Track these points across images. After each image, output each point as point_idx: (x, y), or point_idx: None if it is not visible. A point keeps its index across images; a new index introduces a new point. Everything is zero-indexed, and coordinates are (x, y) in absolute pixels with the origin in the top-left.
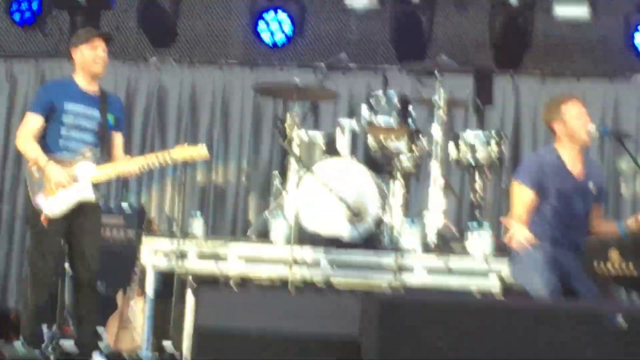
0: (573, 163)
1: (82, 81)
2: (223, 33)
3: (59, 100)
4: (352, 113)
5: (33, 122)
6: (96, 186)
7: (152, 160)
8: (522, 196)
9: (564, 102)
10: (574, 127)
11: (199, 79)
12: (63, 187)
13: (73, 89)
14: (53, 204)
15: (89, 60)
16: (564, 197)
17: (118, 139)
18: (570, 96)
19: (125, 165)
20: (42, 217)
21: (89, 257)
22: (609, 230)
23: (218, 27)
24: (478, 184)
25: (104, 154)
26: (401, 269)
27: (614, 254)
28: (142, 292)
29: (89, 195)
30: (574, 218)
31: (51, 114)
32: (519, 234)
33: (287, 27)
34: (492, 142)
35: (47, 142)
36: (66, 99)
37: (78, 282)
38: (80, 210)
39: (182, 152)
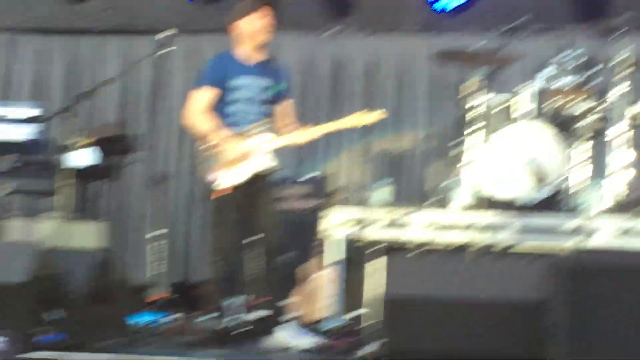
0: None
1: (248, 52)
2: (400, 1)
3: (228, 75)
4: (535, 76)
5: (203, 98)
6: (272, 156)
7: (328, 127)
8: None
9: None
10: None
11: (379, 48)
12: (240, 160)
13: (238, 62)
14: (229, 177)
15: (257, 29)
16: None
17: (289, 106)
18: None
19: (301, 134)
20: (218, 191)
21: (268, 229)
22: None
23: None
24: None
25: (276, 122)
26: (587, 231)
27: None
28: (327, 263)
29: (266, 165)
30: None
31: (219, 89)
32: None
33: None
34: None
35: (220, 117)
36: (235, 73)
37: (260, 254)
38: (260, 181)
39: (357, 118)
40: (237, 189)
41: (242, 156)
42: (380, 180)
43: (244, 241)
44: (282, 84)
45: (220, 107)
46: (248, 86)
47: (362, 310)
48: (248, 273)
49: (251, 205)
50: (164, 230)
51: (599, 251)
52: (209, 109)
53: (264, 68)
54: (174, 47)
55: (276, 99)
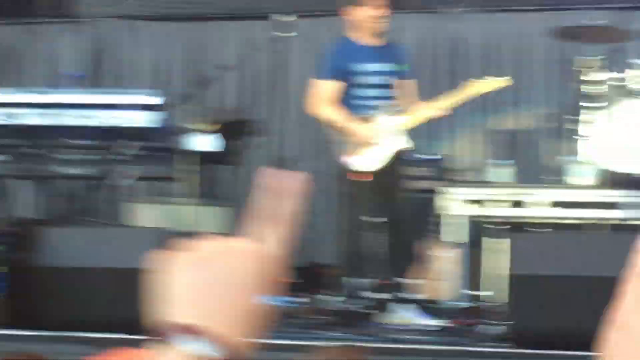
0: None
1: (365, 37)
2: None
3: (348, 62)
4: None
5: (326, 89)
6: (404, 134)
7: (455, 98)
8: None
9: None
10: None
11: (494, 26)
12: (372, 144)
13: (358, 48)
14: (363, 160)
15: (370, 20)
16: None
17: (410, 86)
18: None
19: (427, 110)
20: (353, 175)
21: (402, 209)
22: None
23: None
24: None
25: (401, 103)
26: None
27: None
28: (449, 243)
29: (399, 145)
30: None
31: (342, 77)
32: None
33: None
34: None
35: (346, 104)
36: (354, 61)
37: (391, 233)
38: (394, 161)
39: (483, 85)
40: (373, 172)
41: (375, 139)
42: (501, 159)
43: (375, 222)
44: (403, 66)
45: (345, 93)
46: (371, 71)
47: (485, 291)
48: (375, 253)
49: (384, 187)
50: None
51: None
52: (330, 100)
53: (385, 51)
54: (294, 34)
55: (399, 81)
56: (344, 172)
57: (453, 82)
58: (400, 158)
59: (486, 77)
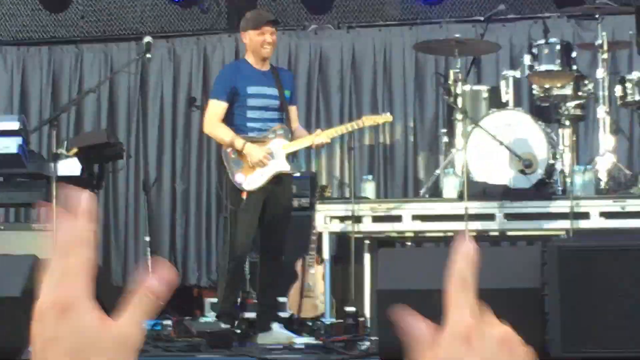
0: None
1: (255, 61)
2: None
3: (241, 84)
4: (515, 64)
5: (218, 108)
6: (289, 158)
7: (342, 129)
8: None
9: None
10: None
11: (359, 42)
12: (263, 165)
13: (250, 70)
14: (252, 180)
15: (257, 45)
16: None
17: (293, 112)
18: None
19: (317, 137)
20: (244, 194)
21: (281, 229)
22: None
23: None
24: None
25: (286, 128)
26: (576, 215)
27: None
28: (321, 259)
29: (285, 168)
30: None
31: (235, 98)
32: None
33: None
34: None
35: (237, 124)
36: (247, 83)
37: (266, 252)
38: (277, 182)
39: (369, 120)
40: (258, 191)
41: (265, 161)
42: (369, 173)
43: (252, 241)
44: (288, 91)
45: (238, 114)
46: (261, 95)
47: (354, 307)
48: (251, 271)
49: (268, 204)
50: (147, 239)
51: (588, 234)
52: (222, 119)
53: (271, 76)
54: (149, 55)
55: (285, 105)
56: (232, 189)
57: (318, 99)
58: (282, 180)
59: (372, 114)
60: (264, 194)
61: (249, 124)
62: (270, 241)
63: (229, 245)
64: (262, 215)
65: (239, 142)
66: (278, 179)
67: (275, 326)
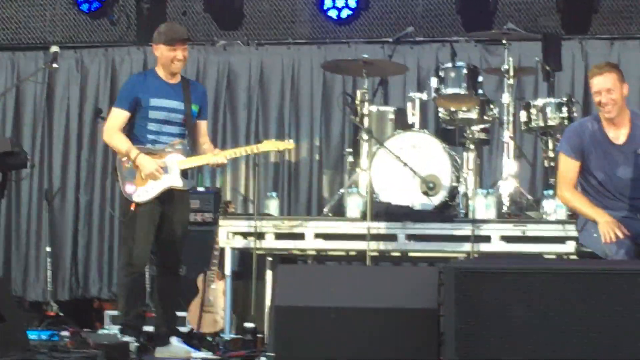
0: (615, 130)
1: (164, 74)
2: (289, 12)
3: (145, 95)
4: (422, 86)
5: (119, 117)
6: (185, 174)
7: (240, 151)
8: (567, 167)
9: (589, 77)
10: (595, 102)
11: (268, 59)
12: (155, 178)
13: (157, 82)
14: (143, 192)
15: (168, 60)
16: (608, 167)
17: (202, 126)
18: (593, 69)
19: (214, 157)
20: (133, 205)
21: (177, 244)
22: None
23: (284, 5)
24: (550, 150)
25: (190, 142)
26: (477, 238)
27: None
28: (222, 275)
29: (178, 183)
30: (623, 185)
31: (138, 109)
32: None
33: (353, 2)
34: (563, 107)
35: (137, 135)
36: (151, 94)
37: (163, 266)
38: (171, 197)
39: (270, 145)
40: (150, 203)
41: (157, 174)
42: (274, 190)
43: (150, 254)
44: (197, 106)
45: (138, 125)
46: (164, 108)
47: (253, 323)
48: (151, 285)
49: (164, 219)
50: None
51: (486, 257)
52: (122, 128)
53: (180, 89)
54: (56, 65)
55: (190, 120)
56: (124, 200)
57: (226, 114)
58: (178, 194)
59: (274, 140)
60: (157, 208)
61: (149, 136)
62: (167, 256)
63: (124, 258)
64: (159, 230)
65: (133, 152)
66: (173, 194)
67: (174, 340)
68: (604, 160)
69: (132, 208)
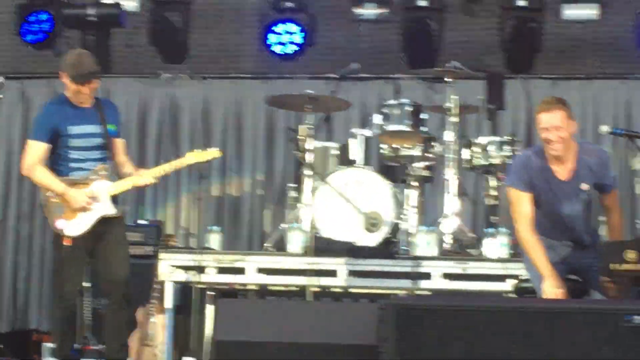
0: (560, 165)
1: (76, 99)
2: (234, 46)
3: (61, 124)
4: (365, 122)
5: (38, 150)
6: (115, 200)
7: (166, 168)
8: (521, 201)
9: (537, 111)
10: (541, 137)
11: (212, 93)
12: (85, 210)
13: (71, 109)
14: (75, 226)
15: (73, 93)
16: (552, 201)
17: (119, 144)
18: (542, 105)
19: (140, 178)
20: (66, 240)
21: (122, 273)
22: (618, 225)
23: (229, 40)
24: (492, 188)
25: (112, 167)
26: (418, 275)
27: (630, 254)
28: (162, 308)
29: (110, 211)
30: (563, 219)
31: (56, 139)
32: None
33: (298, 38)
34: (506, 146)
35: (58, 166)
36: (68, 123)
37: (111, 299)
38: (105, 227)
39: (195, 157)
40: (82, 236)
41: (87, 206)
42: (215, 225)
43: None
44: (112, 125)
45: (59, 155)
46: (82, 134)
47: (193, 357)
48: (87, 318)
49: (100, 250)
50: None
51: (427, 294)
52: (42, 160)
53: (94, 112)
54: (1, 96)
55: (109, 141)
56: (56, 236)
57: (170, 148)
58: (112, 223)
59: (199, 150)
60: (90, 240)
61: (72, 165)
62: (115, 287)
63: (57, 293)
64: (97, 261)
65: (58, 186)
66: (107, 223)
67: None
68: (549, 194)
69: (67, 243)
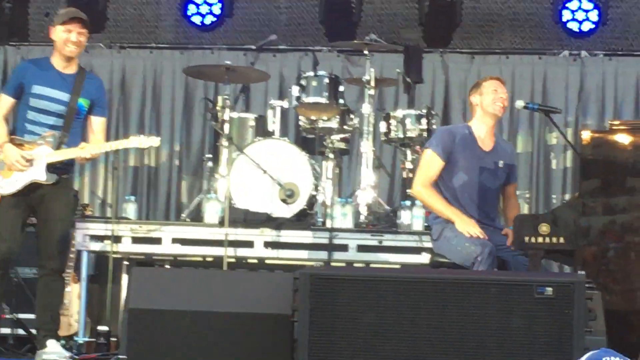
0: (484, 138)
1: (58, 62)
2: (153, 16)
3: (29, 81)
4: (283, 94)
5: (2, 103)
6: (52, 169)
7: (109, 146)
8: (431, 164)
9: (486, 79)
10: (488, 99)
11: (130, 62)
12: (16, 169)
13: (46, 70)
14: (7, 184)
15: (62, 42)
16: (473, 171)
17: (96, 123)
18: (495, 77)
19: (81, 151)
20: None
21: (56, 243)
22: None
23: (148, 10)
24: (409, 161)
25: (75, 137)
26: (334, 247)
27: (544, 228)
28: (77, 278)
29: (41, 177)
30: (483, 192)
31: (21, 96)
32: (467, 227)
33: (217, 9)
34: (423, 119)
35: (16, 124)
36: (36, 81)
37: (44, 267)
38: (42, 193)
39: (137, 141)
40: (16, 198)
41: (19, 165)
42: (132, 194)
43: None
44: (87, 100)
45: (18, 113)
46: (45, 97)
47: (106, 326)
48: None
49: (40, 218)
50: None
51: (340, 265)
52: (5, 115)
53: (71, 81)
54: None
55: (74, 113)
56: None
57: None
58: (55, 192)
59: (141, 136)
60: (23, 202)
61: (27, 125)
62: (48, 256)
63: None
64: (37, 228)
65: (0, 140)
66: (44, 190)
67: (51, 343)
68: (471, 161)
69: None
